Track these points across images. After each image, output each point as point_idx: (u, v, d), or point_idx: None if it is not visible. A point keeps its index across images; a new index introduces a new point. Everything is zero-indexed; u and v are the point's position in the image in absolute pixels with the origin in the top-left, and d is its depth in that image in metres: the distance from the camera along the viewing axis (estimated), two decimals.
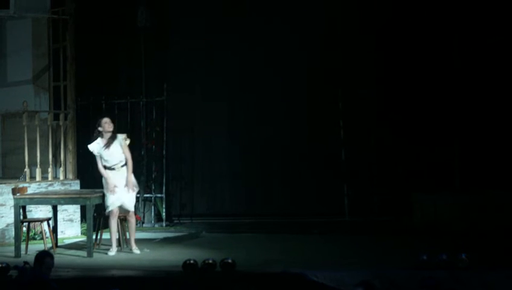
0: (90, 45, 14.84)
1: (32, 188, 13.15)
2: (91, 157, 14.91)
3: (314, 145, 15.17)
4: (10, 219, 12.58)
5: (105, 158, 11.70)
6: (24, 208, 12.00)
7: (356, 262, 10.52)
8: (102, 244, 12.05)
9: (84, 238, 12.80)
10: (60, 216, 13.12)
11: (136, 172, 14.75)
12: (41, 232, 12.15)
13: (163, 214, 15.04)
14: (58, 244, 12.48)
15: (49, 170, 13.81)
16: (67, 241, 13.07)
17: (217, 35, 15.38)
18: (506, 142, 14.24)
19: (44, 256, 7.80)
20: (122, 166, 11.75)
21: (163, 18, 15.48)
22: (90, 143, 11.92)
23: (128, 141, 11.91)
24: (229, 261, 9.79)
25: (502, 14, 14.28)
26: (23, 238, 11.88)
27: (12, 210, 11.99)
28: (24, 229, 11.98)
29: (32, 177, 13.57)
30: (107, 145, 11.70)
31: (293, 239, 13.14)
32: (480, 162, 14.29)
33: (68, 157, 14.18)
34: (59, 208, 12.93)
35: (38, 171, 13.57)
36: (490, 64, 14.37)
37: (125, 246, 11.97)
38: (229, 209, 15.48)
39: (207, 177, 15.66)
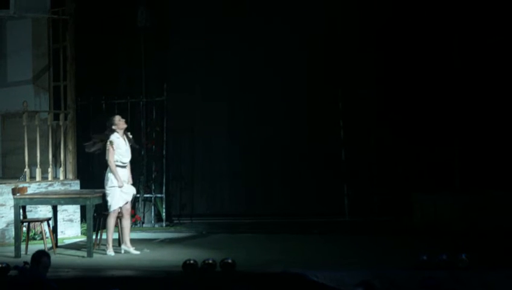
0: (90, 45, 14.84)
1: (32, 188, 13.15)
2: (91, 158, 14.97)
3: (314, 145, 15.17)
4: (10, 219, 12.58)
5: (122, 154, 11.70)
6: (24, 208, 11.99)
7: (356, 262, 10.51)
8: (102, 245, 12.05)
9: (84, 238, 12.80)
10: (60, 216, 13.12)
11: (136, 172, 14.80)
12: (41, 232, 12.15)
13: (163, 214, 15.04)
14: (58, 244, 12.47)
15: (49, 170, 13.81)
16: (67, 242, 13.07)
17: (217, 35, 15.38)
18: (506, 143, 14.23)
19: (41, 256, 7.79)
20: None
21: (163, 18, 15.48)
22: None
23: (131, 137, 12.00)
24: (229, 261, 9.79)
25: (502, 14, 14.27)
26: (23, 238, 11.88)
27: (12, 210, 11.99)
28: (24, 229, 11.98)
29: (32, 177, 13.57)
30: (123, 142, 11.75)
31: (293, 239, 13.14)
32: (480, 162, 14.29)
33: (68, 157, 14.18)
34: (59, 208, 12.93)
35: (38, 171, 13.57)
36: (490, 64, 14.36)
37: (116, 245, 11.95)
38: (229, 209, 15.48)
39: (207, 177, 15.66)
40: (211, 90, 15.52)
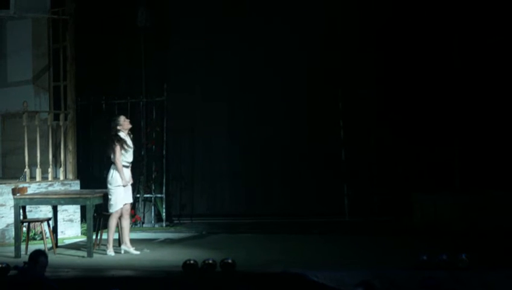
0: (90, 45, 14.84)
1: (32, 188, 13.15)
2: (91, 158, 14.98)
3: (314, 145, 15.18)
4: (10, 219, 12.58)
5: (128, 154, 11.72)
6: (24, 208, 11.99)
7: (356, 262, 10.51)
8: (103, 245, 12.04)
9: (84, 238, 12.80)
10: (60, 216, 13.12)
11: (136, 172, 14.80)
12: (41, 233, 12.15)
13: (163, 214, 15.04)
14: (58, 244, 12.47)
15: (49, 170, 13.80)
16: (67, 242, 13.07)
17: (217, 35, 15.38)
18: (506, 143, 14.23)
19: (38, 255, 7.79)
20: None
21: (163, 18, 15.48)
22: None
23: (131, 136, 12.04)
24: (229, 261, 9.79)
25: (502, 14, 14.27)
26: (23, 238, 11.88)
27: (13, 210, 11.99)
28: (24, 229, 11.97)
29: (32, 178, 13.57)
30: (129, 141, 11.78)
31: (293, 239, 13.14)
32: (480, 163, 14.29)
33: (68, 157, 14.17)
34: (59, 208, 12.93)
35: (38, 171, 13.57)
36: (490, 64, 14.36)
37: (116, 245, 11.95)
38: (229, 209, 15.49)
39: (207, 177, 15.67)
40: (211, 90, 15.53)
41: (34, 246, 11.91)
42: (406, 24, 14.74)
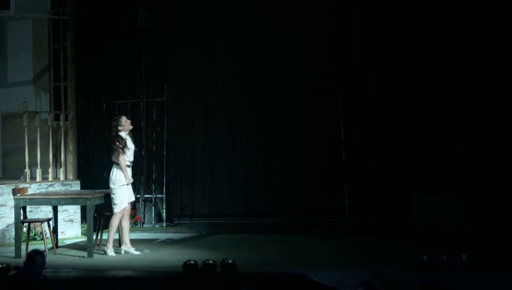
0: (90, 46, 14.84)
1: (33, 189, 13.14)
2: (91, 158, 14.98)
3: (314, 145, 15.18)
4: (10, 219, 12.58)
5: (129, 154, 11.73)
6: (24, 208, 11.98)
7: (357, 262, 10.52)
8: (103, 245, 12.04)
9: (84, 238, 12.79)
10: (60, 217, 13.12)
11: (137, 172, 14.80)
12: (41, 233, 12.15)
13: (164, 214, 15.04)
14: (59, 244, 12.47)
15: (50, 170, 13.80)
16: (67, 242, 13.07)
17: (217, 35, 15.38)
18: (507, 143, 14.23)
19: (35, 255, 7.78)
20: None
21: (163, 18, 15.47)
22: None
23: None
24: (230, 261, 9.79)
25: (503, 16, 14.27)
26: (23, 238, 11.88)
27: (13, 211, 11.99)
28: (24, 229, 11.97)
29: (33, 178, 13.57)
30: (130, 141, 11.79)
31: (293, 240, 13.14)
32: (480, 163, 14.29)
33: (68, 157, 14.18)
34: (59, 208, 12.93)
35: (38, 171, 13.57)
36: (491, 65, 14.36)
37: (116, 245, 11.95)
38: (229, 209, 15.49)
39: (207, 177, 15.67)
40: (211, 90, 15.53)
41: (34, 246, 11.90)
42: (407, 25, 14.75)
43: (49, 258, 11.27)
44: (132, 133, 12.11)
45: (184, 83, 15.45)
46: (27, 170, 13.46)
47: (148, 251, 11.95)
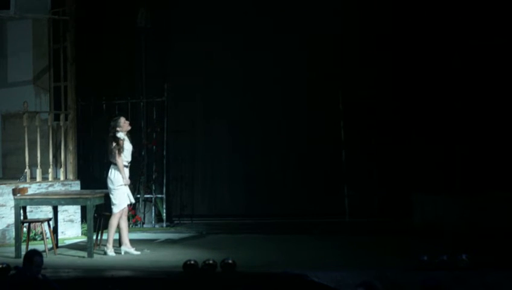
0: (90, 46, 14.85)
1: (33, 189, 13.15)
2: (91, 158, 14.98)
3: (314, 145, 15.18)
4: (11, 219, 12.58)
5: (127, 154, 11.73)
6: (24, 208, 11.98)
7: (357, 262, 10.52)
8: (103, 245, 12.04)
9: (84, 238, 12.79)
10: (60, 217, 13.12)
11: (137, 172, 14.81)
12: (41, 233, 12.15)
13: (164, 214, 15.04)
14: (59, 244, 12.47)
15: (50, 170, 13.81)
16: (67, 242, 13.07)
17: (217, 35, 15.38)
18: (507, 143, 14.23)
19: (33, 255, 7.77)
20: None
21: (163, 18, 15.48)
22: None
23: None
24: (230, 261, 9.78)
25: (503, 16, 14.27)
26: (23, 238, 11.88)
27: (13, 211, 11.99)
28: (24, 229, 11.97)
29: (33, 178, 13.57)
30: (128, 141, 11.79)
31: (293, 240, 13.14)
32: (480, 163, 14.29)
33: (69, 157, 14.18)
34: (59, 208, 12.93)
35: (38, 171, 13.57)
36: (491, 65, 14.36)
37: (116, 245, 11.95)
38: (229, 209, 15.49)
39: (207, 177, 15.68)
40: (212, 90, 15.53)
41: (34, 246, 11.91)
42: (407, 25, 14.75)
43: (49, 258, 11.30)
44: (131, 134, 12.11)
45: (184, 83, 15.45)
46: (27, 170, 13.46)
47: (148, 251, 11.96)
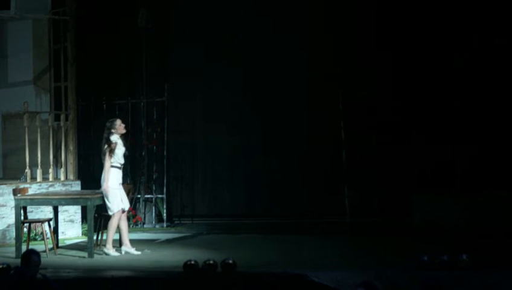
0: (91, 46, 14.85)
1: (33, 189, 13.15)
2: (92, 159, 14.97)
3: (314, 146, 15.18)
4: (11, 219, 12.58)
5: (120, 156, 11.72)
6: (25, 208, 11.99)
7: (357, 263, 10.52)
8: (103, 245, 12.03)
9: (84, 239, 12.79)
10: (60, 217, 13.12)
11: (137, 173, 14.82)
12: (42, 233, 12.15)
13: (164, 214, 15.04)
14: (59, 245, 12.48)
15: (50, 170, 13.81)
16: (68, 242, 13.08)
17: (218, 35, 15.39)
18: (507, 143, 14.23)
19: (30, 254, 7.76)
20: None
21: (163, 19, 15.49)
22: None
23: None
24: (230, 261, 9.79)
25: (503, 16, 14.27)
26: (24, 239, 11.88)
27: (13, 211, 11.99)
28: (25, 229, 11.98)
29: (33, 178, 13.58)
30: (122, 143, 11.80)
31: (293, 240, 13.15)
32: (480, 163, 14.29)
33: (69, 158, 14.19)
34: (60, 208, 12.93)
35: (39, 172, 13.58)
36: (491, 65, 14.36)
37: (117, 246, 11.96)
38: (229, 210, 15.49)
39: (208, 177, 15.68)
40: (212, 90, 15.54)
41: (34, 246, 11.91)
42: (407, 25, 14.75)
43: (50, 258, 11.31)
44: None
45: (184, 83, 15.46)
46: (27, 170, 13.46)
47: (149, 251, 11.96)
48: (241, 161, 15.51)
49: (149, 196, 15.16)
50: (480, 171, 14.19)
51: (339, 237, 13.26)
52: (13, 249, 11.65)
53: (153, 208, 15.13)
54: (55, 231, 12.38)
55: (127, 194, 12.15)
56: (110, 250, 11.63)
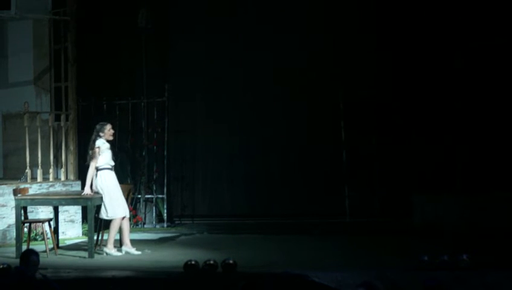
0: (91, 46, 14.86)
1: (34, 189, 13.15)
2: None
3: (315, 146, 15.18)
4: (11, 219, 12.58)
5: (109, 158, 11.72)
6: (25, 208, 12.00)
7: (357, 263, 10.53)
8: (103, 245, 12.04)
9: (85, 239, 12.78)
10: (61, 217, 13.13)
11: (137, 173, 14.82)
12: (42, 233, 12.16)
13: (165, 214, 15.05)
14: (60, 245, 12.48)
15: (50, 170, 13.82)
16: (68, 242, 13.08)
17: (218, 36, 15.39)
18: (507, 143, 14.23)
19: (29, 254, 7.76)
20: None
21: (164, 19, 15.49)
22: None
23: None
24: (230, 262, 9.80)
25: (504, 16, 14.27)
26: (24, 239, 11.89)
27: (14, 211, 12.00)
28: (25, 230, 11.99)
29: (34, 178, 13.58)
30: (110, 147, 11.79)
31: (294, 240, 13.15)
32: (481, 163, 14.28)
33: (69, 158, 14.19)
34: (60, 208, 12.94)
35: (39, 172, 13.58)
36: (491, 66, 14.35)
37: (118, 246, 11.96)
38: (230, 210, 15.49)
39: (208, 177, 15.67)
40: (212, 90, 15.54)
41: (35, 246, 11.91)
42: (407, 25, 14.74)
43: (50, 258, 11.33)
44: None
45: (185, 83, 15.46)
46: (28, 171, 13.47)
47: (149, 251, 11.96)
48: (241, 161, 15.51)
49: (149, 196, 15.17)
50: (481, 171, 14.18)
51: (339, 237, 13.26)
52: (13, 249, 11.66)
53: (154, 208, 15.14)
54: (55, 231, 12.39)
55: (127, 195, 12.16)
56: (112, 250, 11.63)
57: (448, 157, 14.53)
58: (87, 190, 11.69)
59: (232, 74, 15.47)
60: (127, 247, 11.76)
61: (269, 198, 15.31)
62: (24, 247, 11.59)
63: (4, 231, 12.91)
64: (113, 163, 11.83)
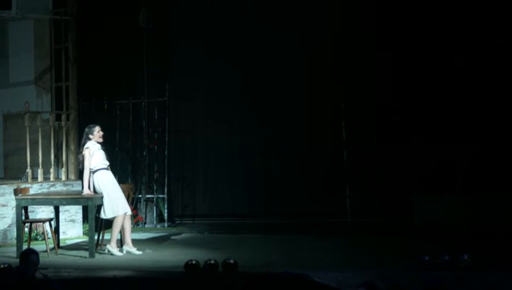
0: (92, 46, 14.86)
1: (34, 189, 13.16)
2: None
3: (315, 146, 15.18)
4: (12, 219, 12.60)
5: (102, 159, 11.73)
6: (26, 208, 12.01)
7: (358, 263, 10.53)
8: (104, 245, 12.05)
9: (86, 238, 12.80)
10: (62, 217, 13.13)
11: (138, 173, 14.82)
12: (43, 233, 12.17)
13: (165, 214, 15.06)
14: (60, 244, 12.48)
15: (51, 170, 13.82)
16: (69, 242, 13.09)
17: (219, 36, 15.40)
18: (507, 143, 14.23)
19: (29, 254, 7.76)
20: None
21: (165, 19, 15.49)
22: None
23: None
24: (231, 261, 9.81)
25: (504, 16, 14.27)
26: (25, 239, 11.89)
27: (14, 211, 12.01)
28: (26, 229, 12.00)
29: (34, 178, 13.59)
30: (99, 148, 11.81)
31: (294, 240, 13.15)
32: (481, 163, 14.29)
33: (70, 158, 14.20)
34: (61, 208, 12.94)
35: (40, 171, 13.59)
36: (492, 65, 14.36)
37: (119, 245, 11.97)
38: (230, 210, 15.50)
39: (209, 177, 15.68)
40: (213, 90, 15.55)
41: (35, 246, 11.92)
42: (407, 25, 14.74)
43: (51, 258, 11.33)
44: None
45: (185, 82, 15.47)
46: (29, 170, 13.48)
47: (150, 251, 11.97)
48: (242, 161, 15.51)
49: (150, 195, 15.18)
50: (481, 171, 14.18)
51: (340, 237, 13.26)
52: (14, 249, 11.68)
53: (154, 208, 15.14)
54: (56, 231, 12.39)
55: (128, 195, 12.17)
56: (114, 249, 11.64)
57: (449, 158, 14.53)
58: (86, 191, 11.69)
59: (232, 73, 15.48)
60: (128, 247, 11.77)
61: (269, 198, 15.32)
62: (25, 247, 11.60)
63: (5, 231, 12.92)
64: (107, 162, 11.83)
